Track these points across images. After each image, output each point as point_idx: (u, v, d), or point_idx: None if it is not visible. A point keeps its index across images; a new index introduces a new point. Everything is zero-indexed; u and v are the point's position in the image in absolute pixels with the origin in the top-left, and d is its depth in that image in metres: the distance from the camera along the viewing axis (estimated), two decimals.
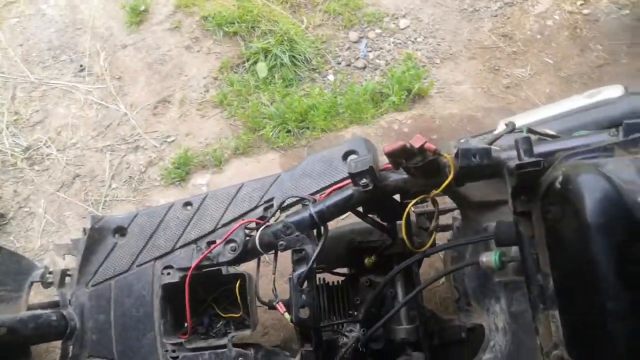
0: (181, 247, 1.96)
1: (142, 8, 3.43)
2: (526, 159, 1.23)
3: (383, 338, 1.82)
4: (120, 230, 2.01)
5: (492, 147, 1.48)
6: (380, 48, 3.43)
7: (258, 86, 3.22)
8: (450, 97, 3.21)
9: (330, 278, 2.09)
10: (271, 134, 3.03)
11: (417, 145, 1.44)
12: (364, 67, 3.37)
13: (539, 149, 1.42)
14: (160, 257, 1.96)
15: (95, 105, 3.23)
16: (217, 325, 2.13)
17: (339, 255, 2.03)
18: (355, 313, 1.92)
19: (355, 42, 3.46)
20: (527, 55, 3.37)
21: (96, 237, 1.99)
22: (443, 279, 2.19)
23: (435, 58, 3.39)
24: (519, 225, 1.36)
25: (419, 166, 1.48)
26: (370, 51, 3.42)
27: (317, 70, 3.35)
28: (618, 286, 1.06)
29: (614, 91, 1.79)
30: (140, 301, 1.93)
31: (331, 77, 3.34)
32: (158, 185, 2.97)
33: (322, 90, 3.22)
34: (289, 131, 3.06)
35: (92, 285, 1.96)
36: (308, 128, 3.07)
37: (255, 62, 3.28)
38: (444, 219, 2.07)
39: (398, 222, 1.87)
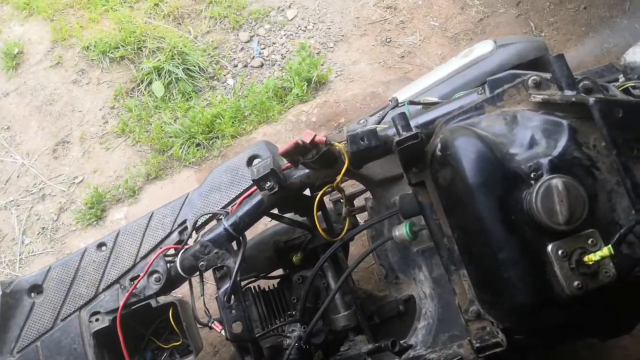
0: (104, 290, 1.89)
1: (16, 51, 3.24)
2: (404, 134, 1.27)
3: (325, 330, 1.84)
4: (36, 289, 1.92)
5: (379, 126, 1.52)
6: (273, 43, 3.42)
7: (158, 106, 3.13)
8: (350, 78, 3.26)
9: (268, 284, 2.09)
10: (180, 151, 2.96)
11: (307, 140, 1.46)
12: (261, 65, 3.35)
13: (421, 119, 1.48)
14: (85, 305, 1.89)
15: None
16: (163, 358, 2.09)
17: (269, 259, 2.03)
18: (294, 312, 1.94)
19: (247, 42, 3.43)
20: (414, 22, 3.46)
21: (10, 302, 1.89)
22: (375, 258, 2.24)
23: (328, 42, 3.42)
24: (417, 196, 1.41)
25: (316, 159, 1.50)
26: (263, 48, 3.40)
27: (215, 78, 3.30)
28: (505, 236, 1.12)
29: (485, 47, 1.88)
30: (73, 355, 1.84)
31: (231, 82, 3.30)
32: (75, 229, 2.84)
33: (224, 97, 3.18)
34: (198, 145, 3.01)
35: (18, 352, 1.86)
36: (217, 137, 3.03)
37: (150, 83, 3.19)
38: (360, 201, 2.11)
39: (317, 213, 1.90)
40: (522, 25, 3.28)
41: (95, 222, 2.84)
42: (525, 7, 3.35)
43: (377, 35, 3.44)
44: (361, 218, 2.26)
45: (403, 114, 1.31)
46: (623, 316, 1.23)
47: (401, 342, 1.67)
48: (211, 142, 3.02)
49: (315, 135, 1.47)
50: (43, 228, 2.86)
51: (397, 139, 1.28)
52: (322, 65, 3.27)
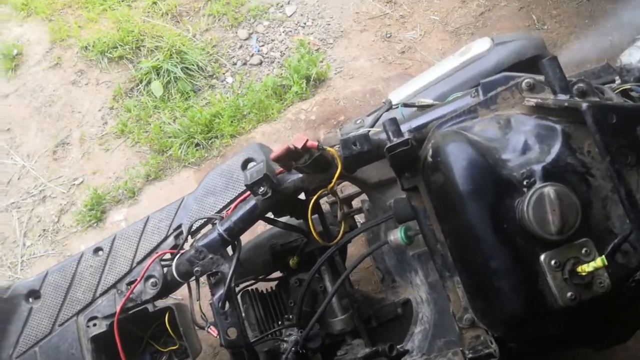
0: (101, 294, 1.89)
1: (15, 52, 3.23)
2: (395, 140, 1.25)
3: (322, 335, 1.83)
4: (34, 294, 1.92)
5: (372, 129, 1.50)
6: (272, 40, 3.39)
7: (157, 106, 3.12)
8: (349, 75, 3.23)
9: (266, 286, 2.09)
10: (179, 151, 2.95)
11: (299, 145, 1.44)
12: (260, 63, 3.32)
13: (414, 122, 1.46)
14: (82, 310, 1.89)
15: None
16: None
17: (265, 263, 2.02)
18: (292, 316, 1.92)
19: (246, 39, 3.40)
20: (414, 17, 3.42)
21: (8, 308, 1.89)
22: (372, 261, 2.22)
23: (328, 39, 3.38)
24: (411, 201, 1.39)
25: (309, 164, 1.48)
26: (262, 45, 3.37)
27: (214, 76, 3.28)
28: (497, 245, 1.10)
29: (482, 45, 1.85)
30: None
31: (230, 80, 3.28)
32: (75, 231, 2.85)
33: (223, 96, 3.16)
34: (197, 145, 3.00)
35: (16, 357, 1.87)
36: (217, 137, 3.01)
37: (149, 82, 3.17)
38: (358, 202, 2.09)
39: (314, 216, 1.89)
40: (524, 19, 3.22)
41: (95, 224, 2.85)
42: (527, 0, 3.29)
43: (377, 30, 3.40)
44: (360, 219, 2.24)
45: (394, 119, 1.28)
46: (618, 326, 1.20)
47: (398, 347, 1.65)
48: (210, 141, 3.01)
49: (307, 140, 1.44)
50: (44, 230, 2.87)
51: (387, 145, 1.26)
52: (322, 62, 3.24)
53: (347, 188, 2.29)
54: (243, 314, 2.00)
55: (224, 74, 3.29)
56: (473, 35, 3.22)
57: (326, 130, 3.02)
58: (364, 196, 2.03)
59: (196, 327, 1.91)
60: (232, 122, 3.03)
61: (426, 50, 3.29)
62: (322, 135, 2.91)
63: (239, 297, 2.01)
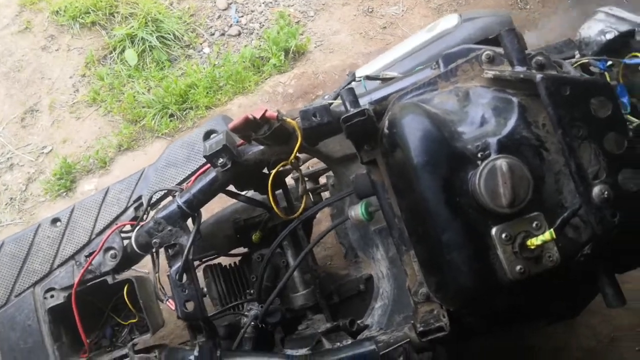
0: (59, 266, 1.85)
1: None
2: (351, 110, 1.21)
3: (281, 309, 1.81)
4: None
5: (334, 101, 1.45)
6: (252, 11, 3.31)
7: (130, 75, 3.04)
8: (329, 49, 3.16)
9: (231, 261, 2.06)
10: (153, 122, 2.89)
11: (258, 115, 1.41)
12: (239, 34, 3.24)
13: (376, 95, 1.42)
14: (39, 281, 1.85)
15: None
16: (122, 334, 2.07)
17: (228, 237, 1.99)
18: (253, 291, 1.90)
19: (225, 10, 3.31)
20: None
21: None
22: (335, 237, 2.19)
23: (308, 11, 3.31)
24: (371, 174, 1.36)
25: (268, 135, 1.44)
26: (242, 16, 3.29)
27: (191, 46, 3.20)
28: (449, 218, 1.07)
29: (450, 21, 1.81)
30: (27, 331, 1.82)
31: (207, 50, 3.20)
32: (44, 200, 2.79)
33: (199, 66, 3.09)
34: (172, 115, 2.93)
35: None
36: (191, 108, 2.95)
37: (123, 50, 3.08)
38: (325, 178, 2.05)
39: (278, 191, 1.86)
40: None
41: (64, 194, 2.79)
42: None
43: (359, 4, 3.32)
44: (328, 195, 2.20)
45: (351, 89, 1.24)
46: (569, 300, 1.19)
47: (358, 322, 1.64)
48: (185, 112, 2.94)
49: (267, 110, 1.41)
50: (11, 199, 2.81)
51: (344, 115, 1.22)
52: (302, 34, 3.17)
53: (316, 165, 2.25)
54: (205, 289, 1.98)
55: (201, 44, 3.21)
56: (456, 12, 3.14)
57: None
58: (330, 173, 2.00)
59: (158, 301, 1.88)
60: (207, 93, 2.96)
61: (408, 26, 3.22)
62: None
63: (201, 271, 1.98)
